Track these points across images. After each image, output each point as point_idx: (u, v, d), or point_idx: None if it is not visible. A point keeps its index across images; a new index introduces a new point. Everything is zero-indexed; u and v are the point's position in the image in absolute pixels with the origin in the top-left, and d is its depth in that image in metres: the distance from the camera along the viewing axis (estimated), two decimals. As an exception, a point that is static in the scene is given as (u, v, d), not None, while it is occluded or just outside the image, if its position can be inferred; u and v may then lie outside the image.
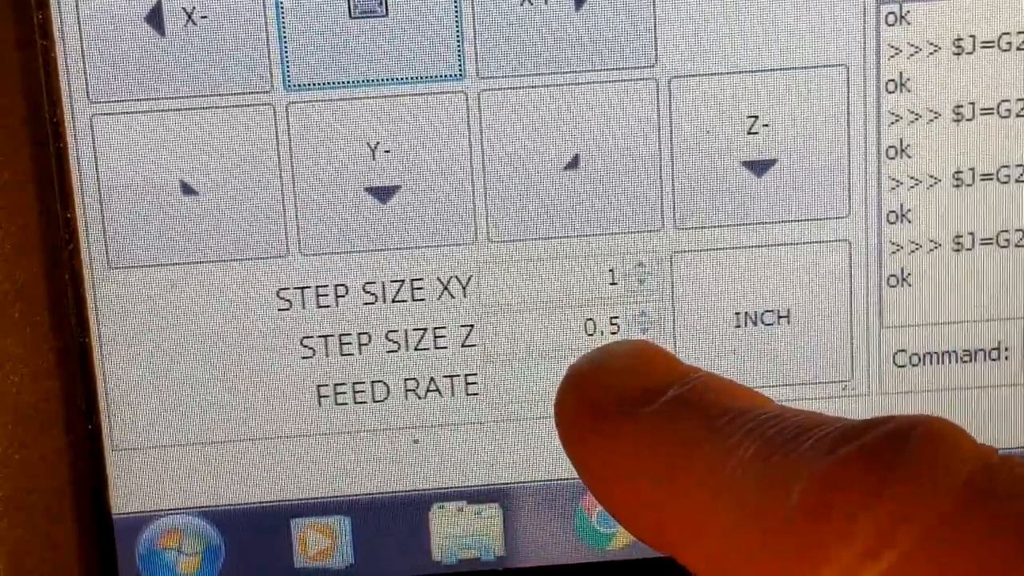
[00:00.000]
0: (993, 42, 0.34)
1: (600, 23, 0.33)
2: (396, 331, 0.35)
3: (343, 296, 0.35)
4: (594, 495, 0.18)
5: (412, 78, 0.33)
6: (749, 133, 0.34)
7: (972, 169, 0.34)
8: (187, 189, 0.34)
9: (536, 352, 0.35)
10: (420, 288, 0.35)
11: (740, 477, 0.16)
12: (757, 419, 0.16)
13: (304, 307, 0.35)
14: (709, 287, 0.35)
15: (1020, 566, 0.13)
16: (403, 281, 0.35)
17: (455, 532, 0.36)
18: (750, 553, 0.15)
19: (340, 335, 0.35)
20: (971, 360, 0.35)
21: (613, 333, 0.35)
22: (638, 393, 0.17)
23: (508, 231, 0.34)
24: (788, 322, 0.35)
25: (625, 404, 0.17)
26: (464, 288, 0.35)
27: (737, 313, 0.35)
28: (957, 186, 0.35)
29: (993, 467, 0.15)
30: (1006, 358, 0.35)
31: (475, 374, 0.35)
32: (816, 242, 0.35)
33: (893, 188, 0.34)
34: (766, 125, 0.34)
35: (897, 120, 0.34)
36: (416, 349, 0.35)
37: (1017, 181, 0.35)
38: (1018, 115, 0.34)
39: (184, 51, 0.33)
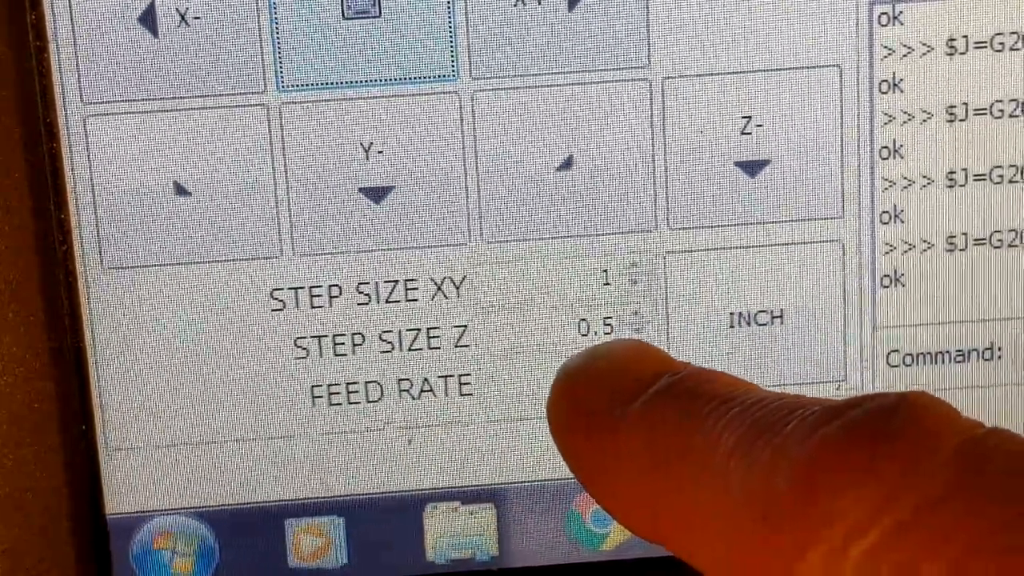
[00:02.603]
0: (986, 42, 0.34)
1: (593, 24, 0.33)
2: (390, 331, 0.35)
3: (337, 296, 0.35)
4: (589, 493, 0.18)
5: (405, 79, 0.33)
6: (742, 134, 0.34)
7: (965, 169, 0.34)
8: (180, 190, 0.34)
9: (530, 352, 0.35)
10: (414, 288, 0.35)
11: (727, 465, 0.16)
12: (742, 405, 0.16)
13: (298, 307, 0.35)
14: (703, 287, 0.35)
15: (1014, 535, 0.13)
16: (397, 281, 0.35)
17: (449, 532, 0.36)
18: (742, 541, 0.15)
19: (334, 335, 0.35)
20: (964, 360, 0.36)
21: (607, 333, 0.35)
22: (628, 390, 0.17)
23: (502, 232, 0.34)
24: (781, 322, 0.35)
25: (615, 402, 0.17)
26: (458, 288, 0.35)
27: (731, 313, 0.35)
28: (950, 186, 0.35)
29: (981, 439, 0.15)
30: (999, 358, 0.36)
31: (469, 374, 0.35)
32: (809, 242, 0.35)
33: (886, 188, 0.35)
34: (759, 125, 0.34)
35: (890, 120, 0.34)
36: (410, 349, 0.35)
37: (1010, 181, 0.35)
38: (1011, 115, 0.34)
39: (177, 52, 0.33)
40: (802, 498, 0.15)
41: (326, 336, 0.35)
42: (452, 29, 0.33)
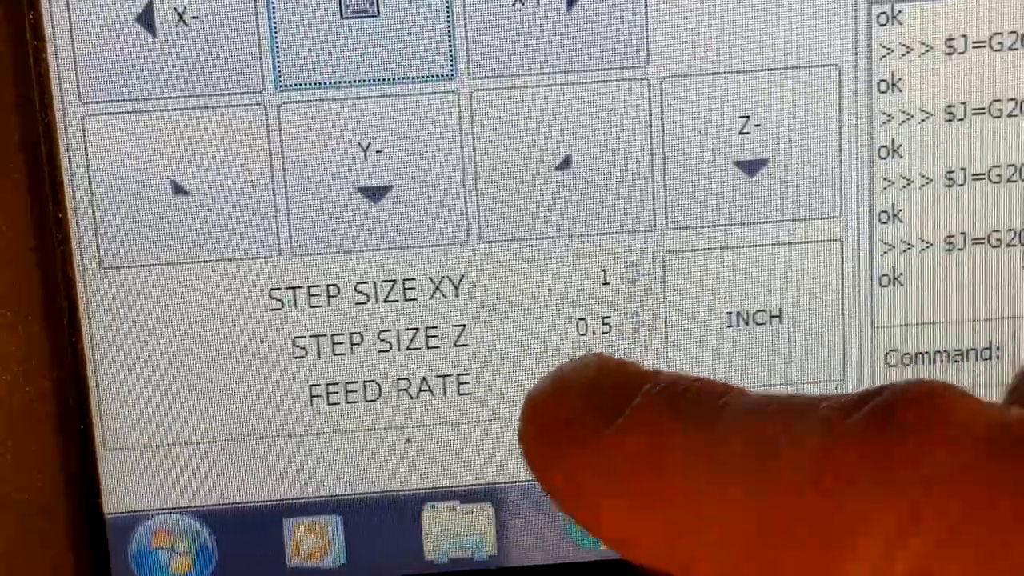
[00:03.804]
0: (984, 42, 0.34)
1: (592, 23, 0.33)
2: (388, 331, 0.35)
3: (335, 296, 0.35)
4: (575, 519, 0.17)
5: (404, 78, 0.33)
6: (741, 133, 0.34)
7: (963, 169, 0.34)
8: (178, 189, 0.34)
9: (528, 352, 0.35)
10: (412, 288, 0.35)
11: (731, 479, 0.15)
12: (735, 414, 0.15)
13: (296, 307, 0.35)
14: (701, 287, 0.35)
15: None
16: (395, 281, 0.35)
17: (447, 531, 0.36)
18: (755, 556, 0.14)
19: (332, 335, 0.35)
20: (963, 360, 0.35)
21: (605, 333, 0.35)
22: (607, 407, 0.16)
23: (500, 231, 0.34)
24: (780, 322, 0.35)
25: (597, 419, 0.16)
26: (456, 288, 0.35)
27: (729, 313, 0.35)
28: (949, 186, 0.35)
29: (1009, 426, 0.14)
30: (997, 358, 0.36)
31: (467, 374, 0.35)
32: (808, 242, 0.35)
33: (885, 188, 0.34)
34: (758, 125, 0.34)
35: (889, 120, 0.34)
36: (408, 349, 0.35)
37: (1008, 181, 0.35)
38: (1010, 115, 0.34)
39: (175, 51, 0.33)
40: (833, 513, 0.14)
41: (324, 336, 0.35)
42: (450, 28, 0.33)
